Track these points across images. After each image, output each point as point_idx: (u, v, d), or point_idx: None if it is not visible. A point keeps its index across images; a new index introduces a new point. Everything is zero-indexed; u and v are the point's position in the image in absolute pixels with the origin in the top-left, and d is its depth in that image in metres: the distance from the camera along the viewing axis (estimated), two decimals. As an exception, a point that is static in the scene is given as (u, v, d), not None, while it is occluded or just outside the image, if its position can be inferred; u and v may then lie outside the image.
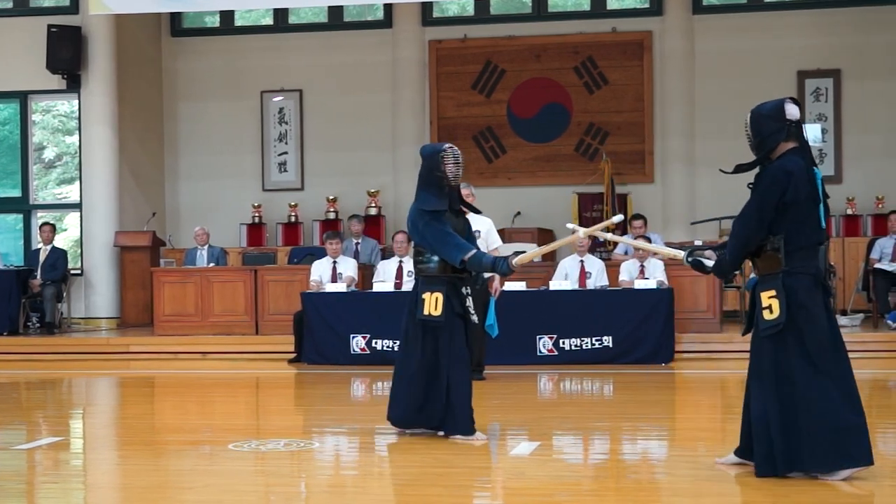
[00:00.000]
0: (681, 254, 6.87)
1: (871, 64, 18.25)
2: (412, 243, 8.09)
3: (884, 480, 6.31)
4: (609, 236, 7.91)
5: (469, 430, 7.77)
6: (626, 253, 15.12)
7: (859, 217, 17.78)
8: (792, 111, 6.36)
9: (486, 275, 7.95)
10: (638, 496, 6.32)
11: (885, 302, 14.64)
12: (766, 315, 6.28)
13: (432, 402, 7.80)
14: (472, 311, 7.91)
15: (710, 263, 6.68)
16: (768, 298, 6.27)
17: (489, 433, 8.04)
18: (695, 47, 18.71)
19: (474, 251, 7.72)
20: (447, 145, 7.94)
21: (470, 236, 8.08)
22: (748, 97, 17.96)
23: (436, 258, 7.80)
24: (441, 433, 7.83)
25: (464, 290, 7.90)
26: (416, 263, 7.98)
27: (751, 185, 6.40)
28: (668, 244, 15.75)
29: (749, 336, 6.59)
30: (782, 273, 6.26)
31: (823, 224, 6.38)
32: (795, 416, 6.20)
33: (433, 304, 7.74)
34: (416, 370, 7.83)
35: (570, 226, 8.08)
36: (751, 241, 6.36)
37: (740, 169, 6.50)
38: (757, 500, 6.00)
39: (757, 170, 6.43)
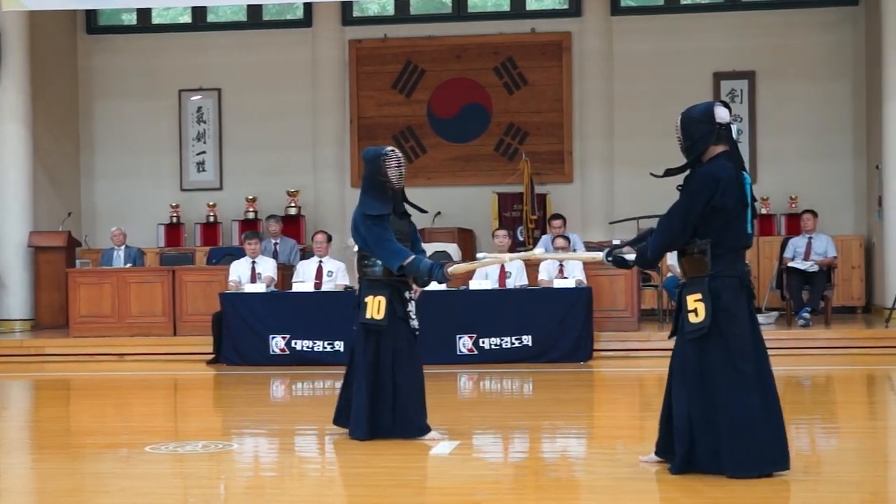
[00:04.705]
0: (599, 255, 6.92)
1: (785, 66, 18.52)
2: (356, 247, 8.03)
3: (797, 475, 6.41)
4: (536, 254, 7.90)
5: (422, 430, 7.74)
6: (545, 251, 15.18)
7: (773, 217, 18.05)
8: (722, 114, 6.40)
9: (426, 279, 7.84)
10: (557, 494, 6.36)
11: (799, 300, 14.86)
12: (692, 318, 6.33)
13: (381, 407, 7.74)
14: (413, 316, 7.88)
15: (631, 258, 6.74)
16: (694, 302, 6.33)
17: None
18: (613, 48, 18.84)
19: (413, 257, 7.63)
20: (389, 148, 7.85)
21: (415, 240, 8.04)
22: (665, 98, 18.34)
23: (380, 262, 7.76)
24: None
25: (407, 294, 7.87)
26: (360, 267, 7.92)
27: (680, 187, 6.44)
28: (587, 244, 15.93)
29: (669, 337, 6.66)
30: (708, 277, 6.32)
31: (750, 229, 6.46)
32: (716, 419, 6.28)
33: (376, 307, 7.72)
34: (362, 375, 7.77)
35: (507, 257, 8.14)
36: (675, 242, 6.43)
37: (671, 172, 6.55)
38: (674, 497, 6.07)
39: (687, 172, 6.48)
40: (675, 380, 6.48)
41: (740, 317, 6.33)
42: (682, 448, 6.35)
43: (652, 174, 6.83)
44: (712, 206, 6.27)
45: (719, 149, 6.40)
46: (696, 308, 6.31)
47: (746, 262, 6.52)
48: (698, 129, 6.40)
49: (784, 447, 6.32)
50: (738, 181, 6.35)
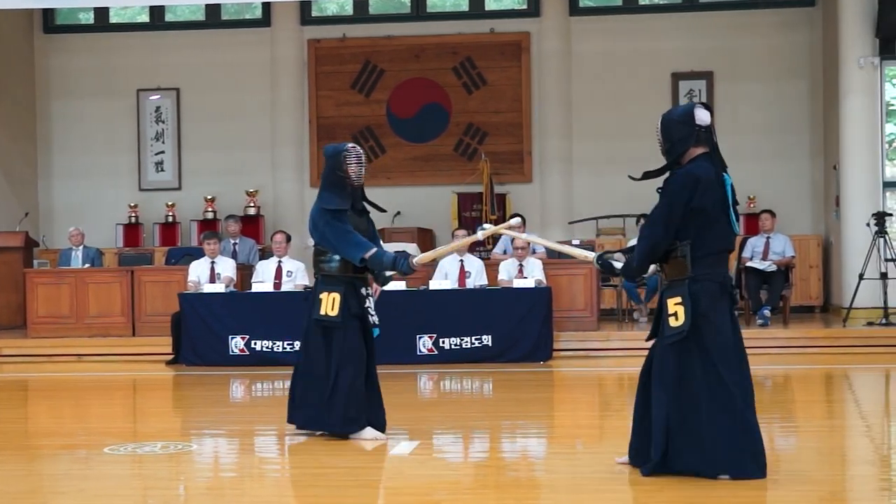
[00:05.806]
0: (591, 255, 6.85)
1: (743, 66, 18.64)
2: (312, 243, 7.98)
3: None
4: (525, 236, 7.86)
5: (351, 427, 7.69)
6: (504, 252, 15.23)
7: (732, 216, 18.15)
8: (702, 116, 6.37)
9: (388, 273, 7.82)
10: (517, 493, 6.37)
11: (757, 299, 14.95)
12: (672, 322, 6.28)
13: (315, 397, 7.73)
14: (373, 312, 7.85)
15: (619, 266, 6.66)
16: (674, 305, 6.27)
17: (369, 433, 8.02)
18: (572, 48, 18.90)
19: (375, 249, 7.62)
20: (350, 145, 7.85)
21: (374, 235, 8.00)
22: (624, 98, 18.44)
23: (337, 258, 7.72)
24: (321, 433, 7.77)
25: (363, 290, 7.83)
26: (316, 263, 7.89)
27: (660, 190, 6.41)
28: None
29: (647, 339, 6.60)
30: (688, 280, 6.27)
31: (737, 230, 6.43)
32: (696, 423, 6.21)
33: (330, 304, 7.68)
34: (314, 371, 7.75)
35: (486, 226, 8.11)
36: (658, 246, 6.35)
37: (649, 175, 6.49)
38: (633, 497, 6.09)
39: (667, 175, 6.45)
40: (654, 383, 6.38)
41: (720, 322, 6.27)
42: (658, 451, 6.28)
43: (630, 177, 6.78)
44: (692, 207, 6.22)
45: (699, 151, 6.37)
46: (676, 312, 6.25)
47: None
48: (678, 130, 6.38)
49: (763, 457, 6.29)
50: (718, 182, 6.33)
